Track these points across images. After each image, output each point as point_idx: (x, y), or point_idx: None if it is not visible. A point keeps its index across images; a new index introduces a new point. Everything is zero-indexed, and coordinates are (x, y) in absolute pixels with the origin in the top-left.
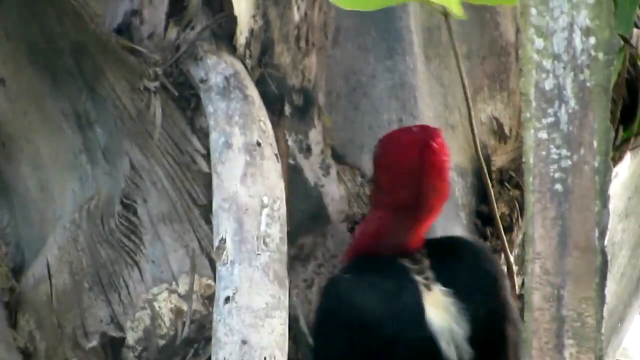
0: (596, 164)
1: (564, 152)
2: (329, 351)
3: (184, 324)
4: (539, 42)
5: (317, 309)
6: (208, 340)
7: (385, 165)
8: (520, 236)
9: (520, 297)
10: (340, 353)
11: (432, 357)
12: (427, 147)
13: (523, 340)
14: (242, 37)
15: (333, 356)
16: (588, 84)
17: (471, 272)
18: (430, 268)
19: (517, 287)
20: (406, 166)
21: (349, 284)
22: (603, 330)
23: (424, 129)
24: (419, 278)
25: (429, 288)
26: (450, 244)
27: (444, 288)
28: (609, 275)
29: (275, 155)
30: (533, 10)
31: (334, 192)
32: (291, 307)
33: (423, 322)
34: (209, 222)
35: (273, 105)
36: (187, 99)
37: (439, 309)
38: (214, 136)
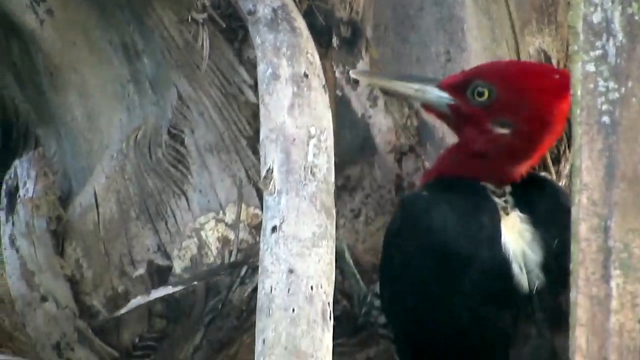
0: None
1: (612, 84)
2: (400, 264)
3: (230, 253)
4: None
5: (392, 222)
6: (255, 269)
7: (532, 97)
8: (567, 168)
9: None
10: (411, 267)
11: (503, 278)
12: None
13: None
14: None
15: (403, 270)
16: (636, 17)
17: (550, 205)
18: (511, 194)
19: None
20: (554, 106)
21: (426, 199)
22: None
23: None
24: (498, 201)
25: (506, 212)
26: (533, 179)
27: (521, 214)
28: None
29: (323, 86)
30: None
31: (381, 123)
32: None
33: (498, 242)
34: (256, 152)
35: (321, 37)
36: (234, 31)
37: (514, 233)
38: (261, 68)
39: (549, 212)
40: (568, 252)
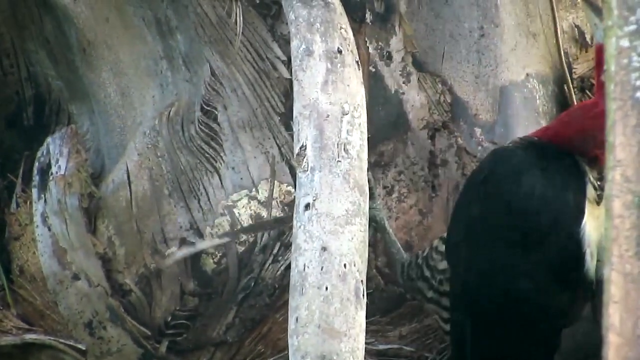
0: None
1: None
2: (475, 213)
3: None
4: None
5: (479, 170)
6: (287, 246)
7: None
8: None
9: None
10: (486, 219)
11: (572, 259)
12: None
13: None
14: None
15: (477, 220)
16: None
17: None
18: None
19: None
20: None
21: (519, 157)
22: None
23: None
24: (594, 185)
25: (599, 198)
26: None
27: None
28: None
29: (356, 62)
30: None
31: (415, 99)
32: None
33: (578, 224)
34: (289, 128)
35: (354, 13)
36: (268, 6)
37: (597, 221)
38: (295, 43)
39: None
40: None
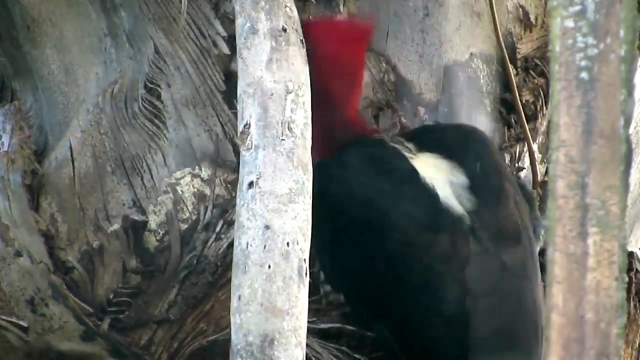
0: (622, 53)
1: (590, 40)
2: (330, 228)
3: (206, 208)
4: None
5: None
6: (230, 224)
7: (328, 55)
8: (544, 124)
9: (544, 184)
10: (342, 225)
11: (433, 210)
12: (366, 40)
13: (546, 226)
14: None
15: (336, 231)
16: None
17: (457, 139)
18: (411, 142)
19: (540, 175)
20: (351, 56)
21: (334, 162)
22: (626, 219)
23: (357, 23)
24: (395, 140)
25: (413, 154)
26: (426, 128)
27: (430, 153)
28: (633, 164)
29: (301, 41)
30: None
31: None
32: None
33: (418, 177)
34: (232, 107)
35: None
36: None
37: (431, 168)
38: (239, 21)
39: (458, 144)
40: (492, 174)
